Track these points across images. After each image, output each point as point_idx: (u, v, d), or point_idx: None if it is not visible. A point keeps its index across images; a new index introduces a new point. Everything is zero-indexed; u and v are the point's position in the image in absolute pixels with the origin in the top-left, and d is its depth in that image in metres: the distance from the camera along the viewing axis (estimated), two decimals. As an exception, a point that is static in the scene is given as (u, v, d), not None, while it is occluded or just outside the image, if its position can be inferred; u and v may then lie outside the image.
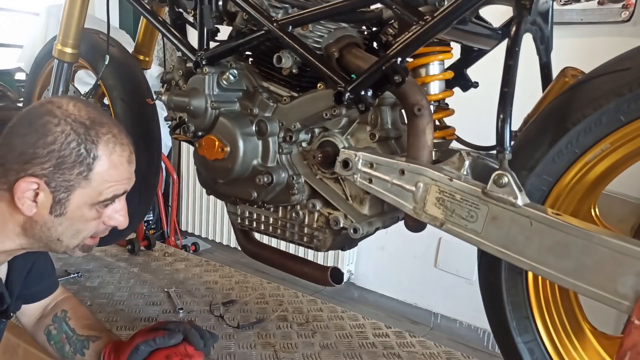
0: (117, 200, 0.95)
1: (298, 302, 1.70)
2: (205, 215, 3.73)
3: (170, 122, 1.27)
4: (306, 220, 1.14)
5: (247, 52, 1.22)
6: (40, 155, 0.85)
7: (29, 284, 1.10)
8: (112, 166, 0.89)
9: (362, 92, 0.95)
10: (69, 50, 1.51)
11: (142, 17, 1.59)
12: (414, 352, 1.43)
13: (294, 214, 1.15)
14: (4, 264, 0.99)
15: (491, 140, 0.91)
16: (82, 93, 1.63)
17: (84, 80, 2.12)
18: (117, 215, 0.95)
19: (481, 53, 1.14)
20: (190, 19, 1.26)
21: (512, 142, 0.82)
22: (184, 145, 3.61)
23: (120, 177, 0.92)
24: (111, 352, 1.03)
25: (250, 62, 1.23)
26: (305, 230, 1.14)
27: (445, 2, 0.94)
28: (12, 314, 1.06)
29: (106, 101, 1.56)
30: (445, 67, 1.08)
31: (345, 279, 3.16)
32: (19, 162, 0.86)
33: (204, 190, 1.30)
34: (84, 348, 1.09)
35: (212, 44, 1.19)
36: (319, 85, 1.05)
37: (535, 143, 0.85)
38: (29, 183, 0.85)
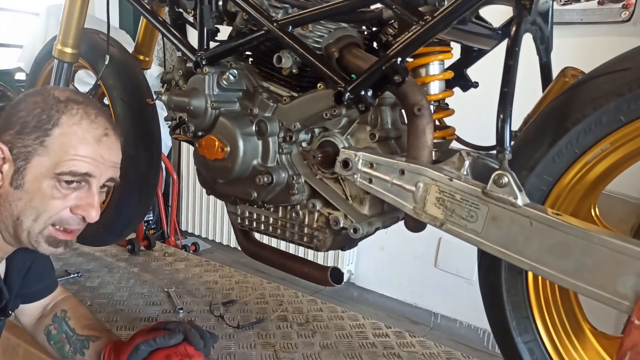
0: (87, 186, 0.88)
1: (298, 302, 1.70)
2: (205, 215, 3.73)
3: (170, 122, 1.27)
4: (306, 220, 1.13)
5: (247, 52, 1.22)
6: (10, 122, 0.85)
7: (28, 283, 1.10)
8: (74, 137, 0.85)
9: (362, 92, 0.95)
10: (69, 50, 1.51)
11: (142, 17, 1.59)
12: (414, 352, 1.43)
13: (294, 214, 1.15)
14: (2, 262, 0.99)
15: (491, 140, 0.91)
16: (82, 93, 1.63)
17: (84, 80, 2.12)
18: (85, 203, 0.88)
19: (481, 53, 1.14)
20: (190, 19, 1.26)
21: (512, 142, 0.83)
22: (184, 145, 3.61)
23: (84, 153, 0.85)
24: (111, 352, 1.03)
25: (250, 62, 1.23)
26: (305, 230, 1.14)
27: (445, 2, 0.94)
28: (10, 312, 1.05)
29: (106, 101, 1.56)
30: (445, 67, 1.08)
31: (345, 279, 3.16)
32: None
33: (204, 190, 1.30)
34: (83, 348, 1.09)
35: (212, 44, 1.19)
36: (319, 85, 1.05)
37: (535, 143, 0.85)
38: None
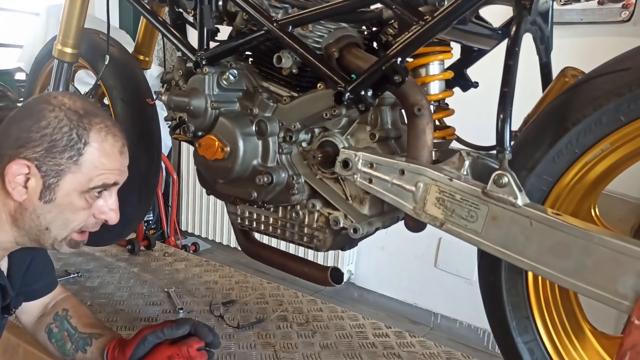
0: (109, 193, 0.95)
1: (298, 302, 1.70)
2: (205, 215, 3.73)
3: (170, 122, 1.27)
4: (306, 220, 1.13)
5: (247, 52, 1.22)
6: (34, 139, 0.87)
7: (28, 280, 1.10)
8: (103, 154, 0.90)
9: (362, 92, 0.95)
10: (69, 50, 1.51)
11: (142, 17, 1.59)
12: (414, 352, 1.43)
13: (294, 214, 1.15)
14: (4, 259, 1.00)
15: (491, 140, 0.91)
16: (82, 93, 1.64)
17: (84, 80, 2.12)
18: (108, 209, 0.95)
19: (481, 53, 1.14)
20: (190, 19, 1.26)
21: (512, 142, 0.82)
22: (184, 145, 3.61)
23: (111, 167, 0.92)
24: (116, 347, 1.04)
25: (250, 62, 1.23)
26: (305, 230, 1.14)
27: (445, 2, 0.94)
28: (13, 309, 1.06)
29: (106, 101, 1.56)
30: (445, 67, 1.08)
31: (345, 279, 3.16)
32: (13, 147, 0.87)
33: (204, 190, 1.30)
34: (86, 345, 1.09)
35: (212, 44, 1.19)
36: (319, 85, 1.05)
37: (535, 143, 0.85)
38: (20, 166, 0.86)
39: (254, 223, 1.24)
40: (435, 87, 1.05)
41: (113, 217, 0.96)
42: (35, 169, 0.87)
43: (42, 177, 0.88)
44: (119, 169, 0.94)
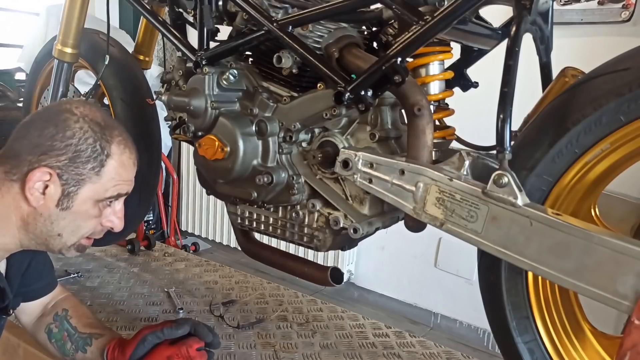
0: (117, 201, 0.98)
1: (298, 302, 1.70)
2: (205, 215, 3.73)
3: (170, 122, 1.27)
4: (306, 220, 1.13)
5: (247, 52, 1.22)
6: (57, 148, 0.89)
7: (27, 281, 1.10)
8: (121, 165, 0.94)
9: (362, 92, 0.95)
10: (69, 50, 1.51)
11: (142, 17, 1.59)
12: (414, 352, 1.43)
13: (294, 214, 1.15)
14: (2, 260, 1.00)
15: (491, 140, 0.91)
16: (82, 93, 1.63)
17: (84, 80, 2.12)
18: (114, 217, 0.98)
19: (481, 53, 1.14)
20: (190, 19, 1.26)
21: (512, 142, 0.82)
22: (184, 145, 3.61)
23: (126, 178, 0.96)
24: (116, 347, 1.04)
25: (250, 62, 1.23)
26: (305, 230, 1.14)
27: (445, 2, 0.94)
28: (11, 310, 1.06)
29: (106, 101, 1.56)
30: (445, 67, 1.08)
31: (345, 279, 3.16)
32: (34, 153, 0.89)
33: (204, 190, 1.30)
34: (86, 345, 1.09)
35: (212, 44, 1.19)
36: (319, 85, 1.05)
37: (535, 143, 0.85)
38: (43, 173, 0.88)
39: (254, 223, 1.25)
40: (435, 87, 1.05)
41: (118, 225, 0.99)
42: (56, 177, 0.89)
43: (62, 185, 0.90)
44: (131, 180, 0.98)
